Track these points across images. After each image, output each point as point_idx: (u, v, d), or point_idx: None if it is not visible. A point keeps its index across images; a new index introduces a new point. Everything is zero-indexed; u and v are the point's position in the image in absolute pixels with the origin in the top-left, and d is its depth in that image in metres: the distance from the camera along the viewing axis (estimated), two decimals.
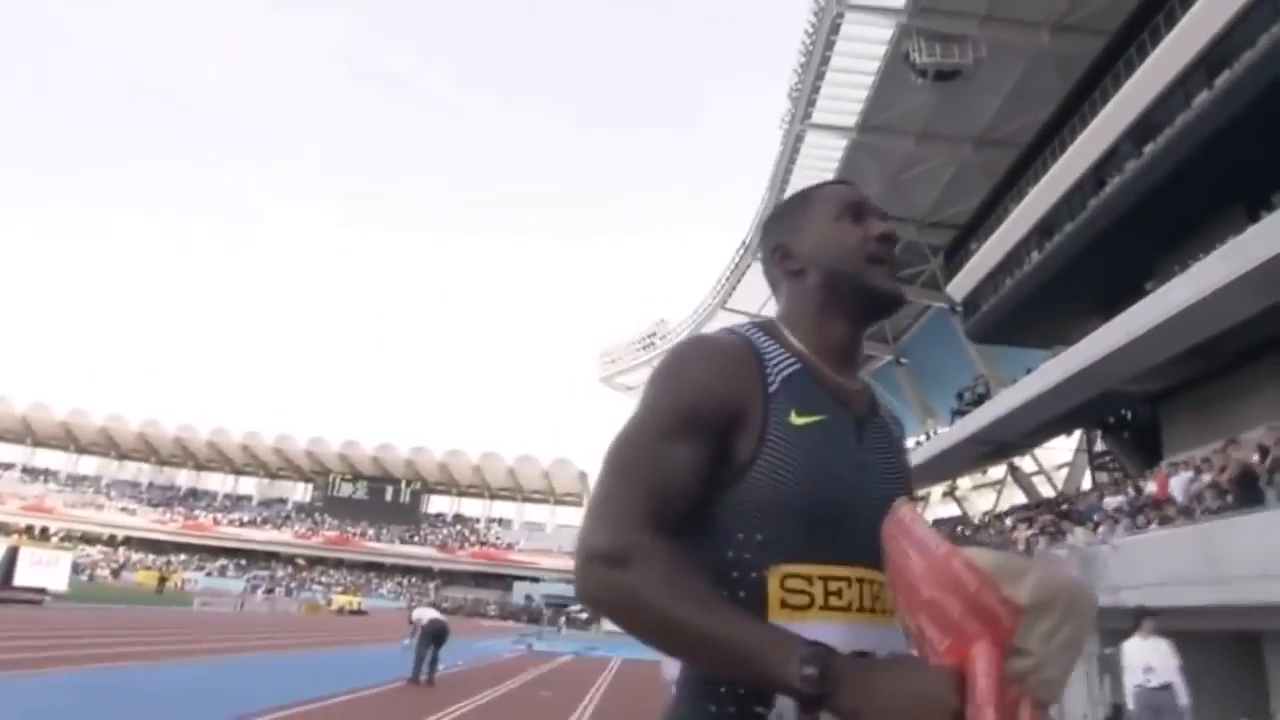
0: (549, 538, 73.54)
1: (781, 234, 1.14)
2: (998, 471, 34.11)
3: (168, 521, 70.25)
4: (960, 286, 28.35)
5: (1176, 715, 6.32)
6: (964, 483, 36.93)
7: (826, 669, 0.78)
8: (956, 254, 29.25)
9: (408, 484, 76.55)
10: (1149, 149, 20.26)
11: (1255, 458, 9.54)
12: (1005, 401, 22.85)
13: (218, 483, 78.54)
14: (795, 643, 0.81)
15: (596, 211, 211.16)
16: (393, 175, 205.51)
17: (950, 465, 28.78)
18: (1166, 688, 6.29)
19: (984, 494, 38.14)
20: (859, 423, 1.03)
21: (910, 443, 36.73)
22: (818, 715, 0.79)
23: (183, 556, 67.63)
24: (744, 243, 37.93)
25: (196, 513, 72.86)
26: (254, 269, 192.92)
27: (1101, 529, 11.74)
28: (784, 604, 0.91)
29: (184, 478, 77.90)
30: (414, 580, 69.09)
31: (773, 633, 0.84)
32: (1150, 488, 11.49)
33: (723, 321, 44.33)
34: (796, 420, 0.97)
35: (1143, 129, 20.70)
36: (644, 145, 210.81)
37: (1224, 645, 8.70)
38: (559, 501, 76.18)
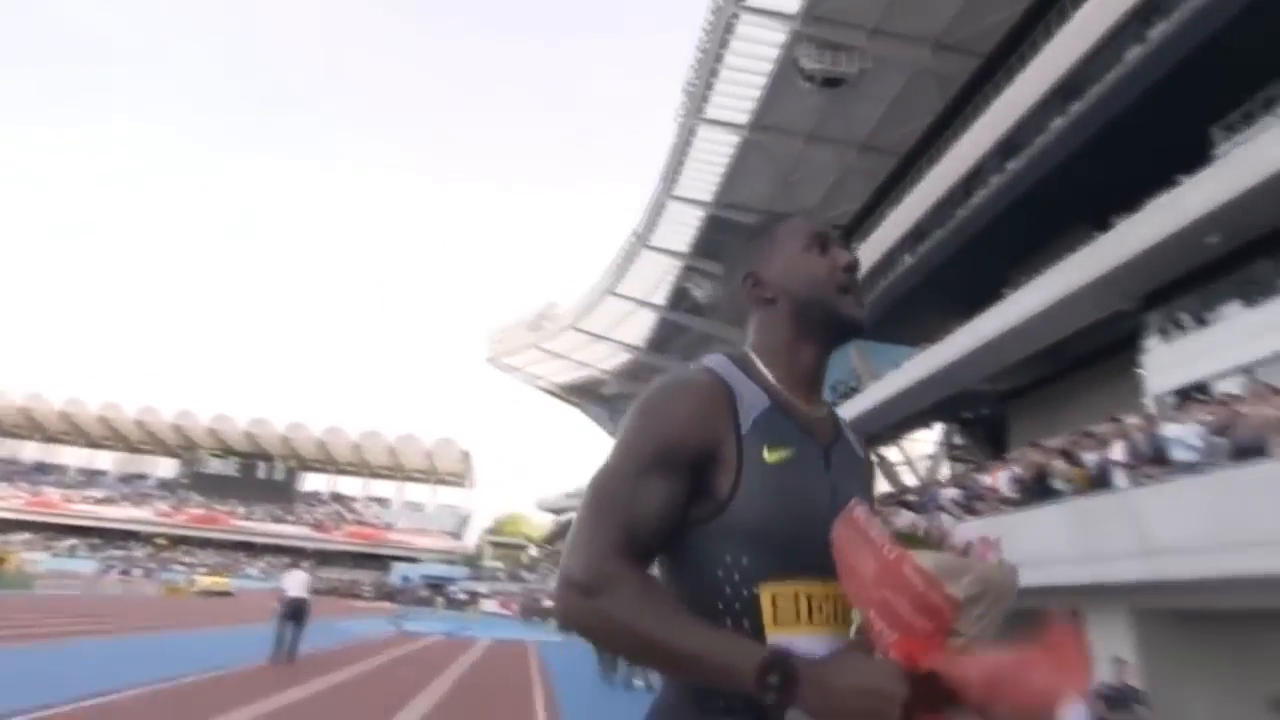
0: (429, 518, 72.35)
1: (751, 263, 1.18)
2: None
3: (9, 498, 64.86)
4: None
5: None
6: None
7: (786, 675, 0.86)
8: None
9: (282, 461, 73.53)
10: (1011, 166, 21.80)
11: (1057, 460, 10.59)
12: (872, 396, 24.19)
13: (70, 456, 73.08)
14: (755, 652, 0.89)
15: (488, 190, 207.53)
16: (285, 133, 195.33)
17: None
18: None
19: None
20: (826, 449, 1.10)
21: None
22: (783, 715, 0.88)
23: (26, 536, 62.63)
24: (635, 230, 38.29)
25: (44, 488, 67.58)
26: (118, 225, 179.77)
27: (927, 518, 12.78)
28: (775, 620, 0.99)
29: (31, 450, 72.05)
30: (286, 560, 66.42)
31: (734, 644, 0.91)
32: (988, 480, 12.57)
33: (612, 306, 44.69)
34: (769, 457, 1.03)
35: (1007, 148, 22.21)
36: (539, 127, 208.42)
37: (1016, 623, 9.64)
38: (441, 481, 75.00)
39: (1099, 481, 8.53)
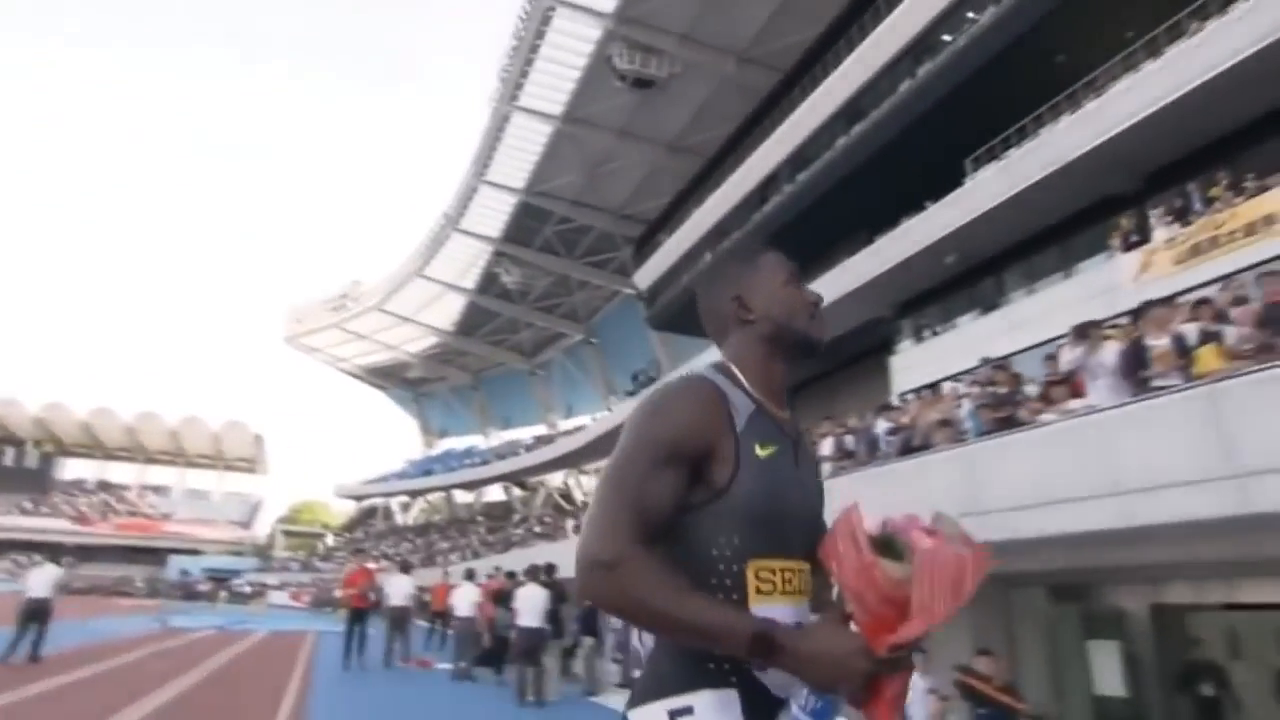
0: (215, 507, 67.07)
1: (738, 287, 1.35)
2: None
3: None
4: (645, 277, 30.63)
5: (542, 637, 8.58)
6: None
7: (771, 643, 1.06)
8: (645, 246, 31.58)
9: (36, 445, 65.24)
10: (801, 177, 23.58)
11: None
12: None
13: None
14: (747, 622, 1.08)
15: (290, 163, 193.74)
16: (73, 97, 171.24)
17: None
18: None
19: None
20: (795, 448, 1.29)
21: (587, 419, 39.21)
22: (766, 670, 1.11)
23: None
24: (446, 213, 37.57)
25: None
26: None
27: None
28: (758, 590, 1.18)
29: None
30: (40, 557, 58.90)
31: (730, 615, 1.09)
32: None
33: (420, 289, 43.55)
34: (760, 452, 1.21)
35: (798, 160, 23.96)
36: (351, 97, 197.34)
37: None
38: (230, 467, 69.65)
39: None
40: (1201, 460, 4.38)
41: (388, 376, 59.07)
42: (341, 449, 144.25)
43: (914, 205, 16.71)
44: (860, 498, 1.14)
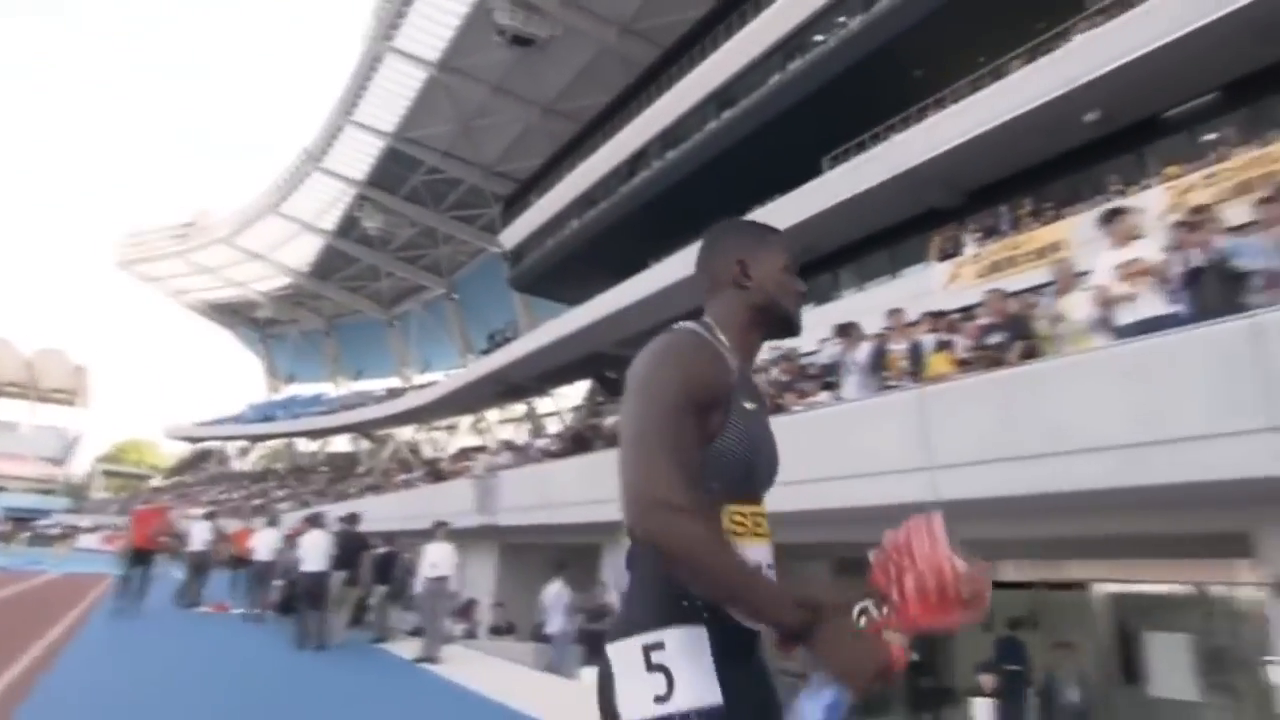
0: (24, 440, 61.32)
1: (744, 252, 1.42)
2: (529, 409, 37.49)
3: None
4: (512, 236, 30.33)
5: (448, 596, 8.80)
6: (494, 415, 39.77)
7: (811, 619, 1.12)
8: (514, 205, 31.22)
9: None
10: (670, 155, 23.98)
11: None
12: (519, 348, 25.40)
13: None
14: (791, 603, 1.13)
15: (132, 81, 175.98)
16: None
17: (473, 399, 30.91)
18: (444, 579, 8.60)
19: (510, 428, 41.64)
20: (762, 407, 1.38)
21: (440, 374, 38.61)
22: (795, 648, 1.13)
23: None
24: (307, 149, 35.68)
25: None
26: None
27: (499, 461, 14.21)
28: (734, 533, 1.25)
29: None
30: None
31: (779, 590, 1.15)
32: (538, 442, 14.21)
33: (275, 225, 41.29)
34: (747, 406, 1.30)
35: (669, 137, 24.34)
36: (208, 16, 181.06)
37: (559, 552, 11.32)
38: (44, 399, 63.79)
39: (613, 442, 10.20)
40: (908, 452, 4.98)
41: (234, 315, 55.71)
42: (177, 387, 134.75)
43: (776, 194, 17.37)
44: None
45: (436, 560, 8.50)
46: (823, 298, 15.98)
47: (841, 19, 19.53)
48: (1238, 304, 4.06)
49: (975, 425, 4.75)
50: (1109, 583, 7.01)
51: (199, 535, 12.23)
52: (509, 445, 15.56)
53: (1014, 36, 14.43)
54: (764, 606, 1.13)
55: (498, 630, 10.95)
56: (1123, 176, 12.22)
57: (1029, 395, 4.48)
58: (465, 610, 11.37)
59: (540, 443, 14.80)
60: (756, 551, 1.28)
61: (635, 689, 1.18)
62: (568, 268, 27.37)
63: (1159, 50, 11.03)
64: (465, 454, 19.77)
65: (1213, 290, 4.18)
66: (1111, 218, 4.59)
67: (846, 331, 6.73)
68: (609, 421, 11.98)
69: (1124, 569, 6.46)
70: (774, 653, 1.22)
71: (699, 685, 1.16)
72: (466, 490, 13.15)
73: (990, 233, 13.28)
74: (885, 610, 1.22)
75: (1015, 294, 6.53)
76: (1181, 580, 6.41)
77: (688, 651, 1.18)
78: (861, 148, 17.33)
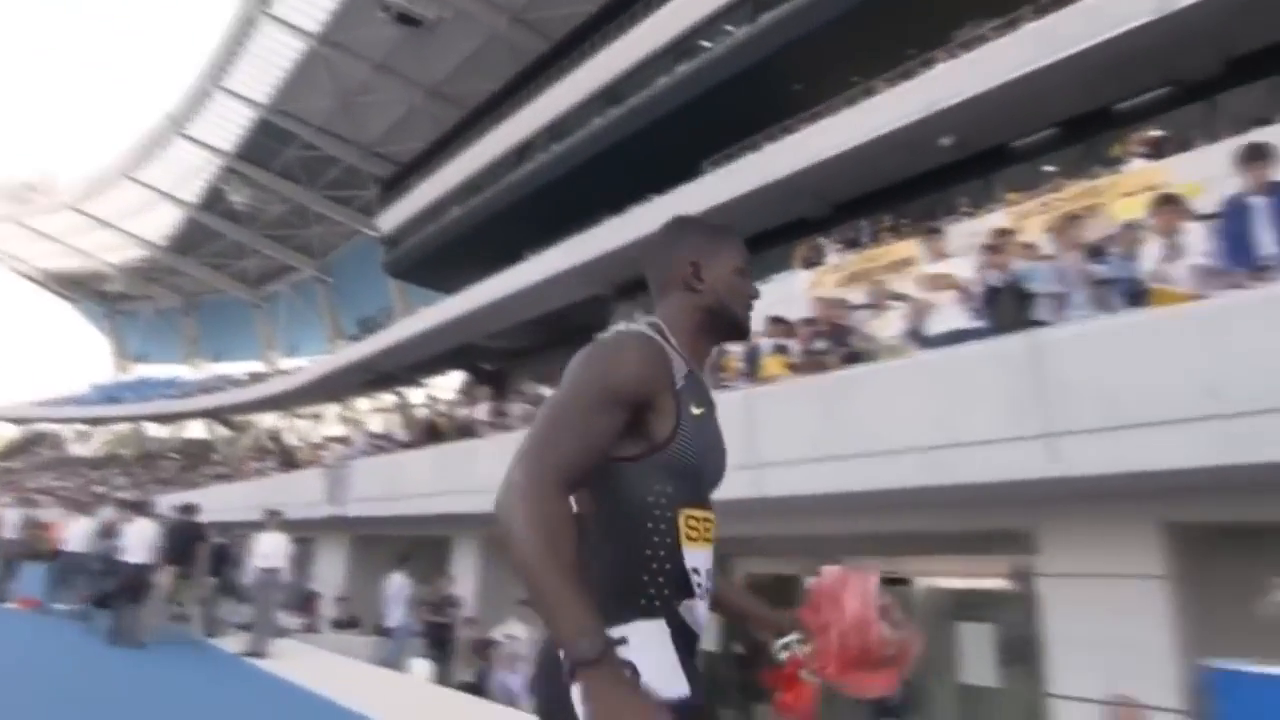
0: None
1: (698, 255, 1.40)
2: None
3: None
4: (390, 220, 29.40)
5: (279, 587, 8.49)
6: (364, 405, 38.34)
7: (592, 656, 1.04)
8: (394, 188, 30.24)
9: None
10: (556, 148, 23.85)
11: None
12: (390, 336, 24.68)
13: None
14: (587, 626, 1.06)
15: None
16: None
17: (341, 387, 29.81)
18: (275, 570, 8.30)
19: (381, 418, 40.24)
20: (712, 411, 1.36)
21: (307, 360, 37.00)
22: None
23: None
24: (169, 114, 33.38)
25: None
26: None
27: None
28: (688, 536, 1.25)
29: None
30: None
31: (579, 613, 1.07)
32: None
33: (130, 192, 38.44)
34: (695, 411, 1.28)
35: (555, 131, 24.21)
36: None
37: (407, 544, 11.12)
38: None
39: (466, 433, 10.22)
40: (733, 451, 5.14)
41: (78, 287, 51.36)
42: (7, 364, 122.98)
43: (658, 193, 17.54)
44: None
45: (268, 551, 8.14)
46: None
47: (729, 28, 20.03)
48: (1027, 321, 4.40)
49: (799, 426, 4.96)
50: (925, 577, 7.49)
51: (8, 524, 11.18)
52: (368, 434, 15.04)
53: (887, 60, 15.11)
54: (557, 617, 1.07)
55: (341, 624, 10.59)
56: (972, 199, 13.05)
57: (846, 399, 4.72)
58: (307, 603, 10.94)
59: (395, 433, 14.38)
60: (700, 556, 1.27)
61: None
62: (447, 256, 26.78)
63: (1007, 85, 11.83)
64: (322, 443, 18.98)
65: (1007, 308, 4.51)
66: (929, 235, 4.88)
67: None
68: (467, 413, 11.81)
69: (936, 564, 6.90)
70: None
71: (665, 678, 1.16)
72: (318, 480, 12.65)
73: (852, 244, 13.87)
74: (808, 650, 1.24)
75: (859, 306, 6.86)
76: (986, 574, 6.92)
77: (652, 645, 1.17)
78: (741, 154, 17.81)
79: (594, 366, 1.23)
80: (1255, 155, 3.85)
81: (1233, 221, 3.84)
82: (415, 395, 33.70)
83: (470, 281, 23.49)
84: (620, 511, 1.24)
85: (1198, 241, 3.97)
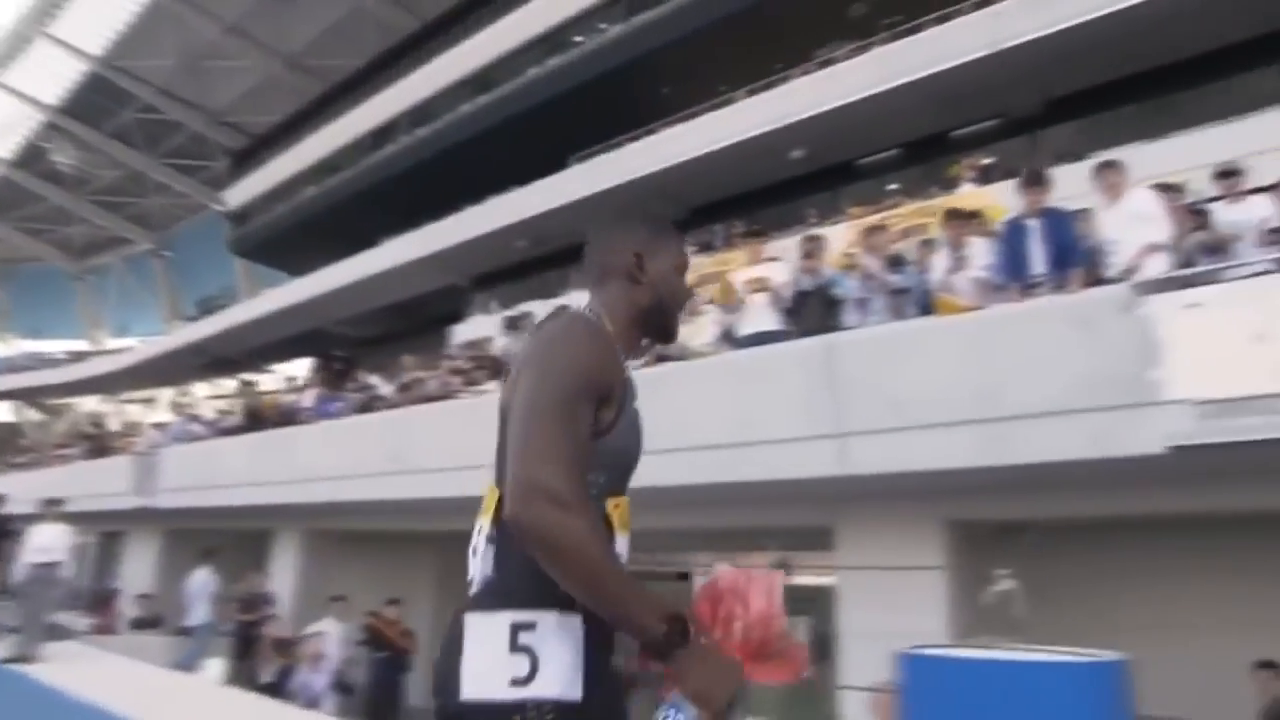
0: None
1: (642, 247, 1.38)
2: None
3: None
4: (239, 195, 27.74)
5: (56, 584, 7.72)
6: (203, 389, 35.83)
7: (676, 635, 1.10)
8: (245, 162, 28.48)
9: None
10: (420, 132, 23.17)
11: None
12: (231, 317, 23.21)
13: None
14: (662, 610, 1.10)
15: None
16: None
17: (175, 371, 27.77)
18: (54, 565, 7.56)
19: (216, 405, 37.71)
20: (635, 398, 1.32)
21: (136, 340, 34.23)
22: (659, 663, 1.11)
23: None
24: None
25: None
26: None
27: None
28: (620, 523, 1.23)
29: None
30: None
31: (652, 601, 1.10)
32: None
33: None
34: (634, 403, 1.28)
35: (420, 114, 23.52)
36: None
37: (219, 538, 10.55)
38: None
39: (288, 420, 9.78)
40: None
41: None
42: None
43: (520, 183, 17.26)
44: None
45: (46, 544, 7.33)
46: (549, 294, 16.14)
47: (603, 25, 20.07)
48: (831, 325, 4.54)
49: None
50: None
51: None
52: (184, 419, 13.96)
53: (754, 72, 15.43)
54: (635, 615, 1.10)
55: (141, 623, 9.74)
56: (820, 211, 13.58)
57: (653, 396, 4.70)
58: (103, 602, 10.01)
59: (214, 419, 13.43)
60: (623, 543, 1.27)
61: (489, 667, 1.11)
62: (299, 237, 25.49)
63: (854, 104, 12.39)
64: (134, 429, 17.48)
65: (814, 312, 4.65)
66: (748, 238, 4.98)
67: (514, 324, 6.78)
68: (293, 399, 11.17)
69: (741, 561, 7.07)
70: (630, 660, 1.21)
71: (564, 677, 1.12)
72: (126, 469, 11.59)
73: (705, 248, 14.13)
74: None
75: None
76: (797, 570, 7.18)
77: (560, 638, 1.13)
78: (607, 151, 17.85)
79: (567, 355, 1.21)
80: (1033, 181, 4.15)
81: (1010, 240, 4.13)
82: (264, 382, 31.86)
83: (322, 265, 22.48)
84: None
85: (980, 256, 4.25)
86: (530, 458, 1.10)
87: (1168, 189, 4.54)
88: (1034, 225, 4.02)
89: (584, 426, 1.17)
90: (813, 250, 4.92)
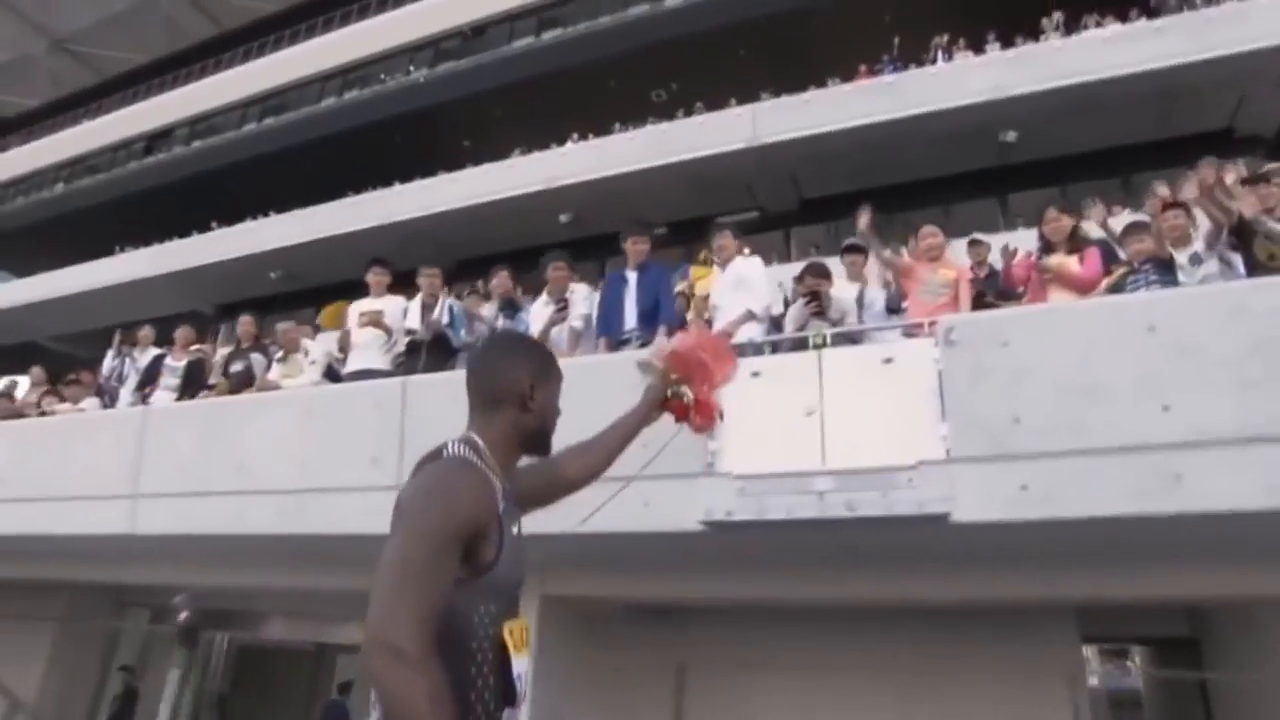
0: None
1: (535, 376, 1.47)
2: None
3: None
4: None
5: None
6: None
7: None
8: None
9: None
10: (197, 144, 21.54)
11: None
12: None
13: None
14: None
15: None
16: None
17: None
18: None
19: None
20: (519, 521, 1.45)
21: None
22: None
23: None
24: None
25: None
26: None
27: None
28: (514, 648, 1.31)
29: None
30: None
31: None
32: None
33: None
34: (512, 531, 1.36)
35: (201, 125, 21.99)
36: None
37: None
38: None
39: None
40: (117, 475, 4.30)
41: None
42: None
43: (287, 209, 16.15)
44: None
45: None
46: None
47: (411, 69, 19.74)
48: (446, 367, 4.17)
49: (178, 453, 4.20)
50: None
51: None
52: None
53: (553, 132, 15.43)
54: None
55: None
56: (587, 280, 13.53)
57: (222, 427, 4.09)
58: None
59: None
60: (522, 663, 1.33)
61: None
62: (40, 235, 22.67)
63: (621, 176, 12.54)
64: None
65: (433, 354, 4.26)
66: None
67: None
68: None
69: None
70: None
71: None
72: None
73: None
74: (691, 386, 1.75)
75: None
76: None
77: None
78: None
79: (432, 511, 1.22)
80: (638, 233, 4.10)
81: (607, 292, 3.99)
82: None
83: (50, 265, 19.94)
84: (447, 635, 1.21)
85: (580, 305, 4.07)
86: (382, 614, 1.13)
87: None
88: (632, 278, 3.91)
89: (445, 577, 1.20)
90: (433, 290, 4.56)
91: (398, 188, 14.71)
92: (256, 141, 20.69)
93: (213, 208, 19.51)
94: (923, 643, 4.35)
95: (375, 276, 4.40)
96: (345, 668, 8.45)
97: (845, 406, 3.08)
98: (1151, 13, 11.76)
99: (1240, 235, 3.57)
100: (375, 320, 4.22)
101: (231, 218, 18.44)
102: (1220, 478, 2.50)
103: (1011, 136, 11.14)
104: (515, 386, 1.44)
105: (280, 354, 4.68)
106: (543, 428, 1.49)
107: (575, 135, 15.68)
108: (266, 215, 16.28)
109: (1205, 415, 2.56)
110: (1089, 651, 9.03)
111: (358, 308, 4.31)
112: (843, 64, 13.72)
